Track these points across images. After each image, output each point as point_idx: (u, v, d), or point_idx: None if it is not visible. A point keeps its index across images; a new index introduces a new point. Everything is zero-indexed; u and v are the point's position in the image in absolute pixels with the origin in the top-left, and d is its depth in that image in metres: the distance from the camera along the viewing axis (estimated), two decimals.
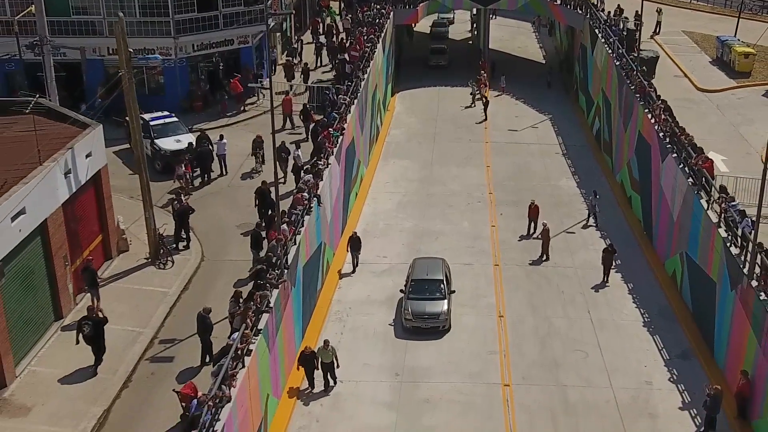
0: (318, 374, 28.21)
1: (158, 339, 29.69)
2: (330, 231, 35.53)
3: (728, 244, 28.70)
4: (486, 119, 53.43)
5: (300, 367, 28.08)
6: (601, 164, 47.40)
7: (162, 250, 34.07)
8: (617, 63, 46.27)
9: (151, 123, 42.32)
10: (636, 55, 46.73)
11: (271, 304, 25.75)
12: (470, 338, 31.14)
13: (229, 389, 22.18)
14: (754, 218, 26.98)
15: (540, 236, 37.12)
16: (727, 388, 27.36)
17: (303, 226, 30.38)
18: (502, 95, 58.15)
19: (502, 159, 47.47)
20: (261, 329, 24.81)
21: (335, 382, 28.37)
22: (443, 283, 32.39)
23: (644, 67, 45.51)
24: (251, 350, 23.96)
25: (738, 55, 59.68)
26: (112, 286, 32.32)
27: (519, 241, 38.04)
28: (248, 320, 24.35)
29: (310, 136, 43.45)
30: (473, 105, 56.06)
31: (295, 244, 29.21)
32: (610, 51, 48.28)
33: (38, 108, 33.05)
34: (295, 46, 61.13)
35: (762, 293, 25.83)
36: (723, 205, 29.62)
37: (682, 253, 33.42)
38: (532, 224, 38.65)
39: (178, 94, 49.79)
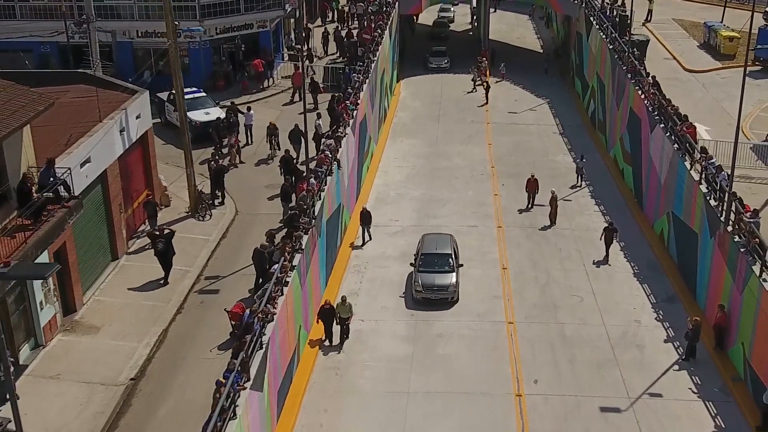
0: (336, 329, 30.19)
1: (203, 276, 32.94)
2: (347, 195, 38.23)
3: (708, 198, 31.81)
4: (487, 103, 55.58)
5: (319, 320, 30.11)
6: (596, 142, 49.98)
7: (201, 204, 37.23)
8: (611, 47, 49.08)
9: None
10: (628, 38, 49.70)
11: (303, 246, 28.67)
12: (477, 286, 33.88)
13: (273, 308, 25.32)
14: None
15: (548, 203, 39.39)
16: (706, 324, 30.46)
17: (326, 184, 33.25)
18: (502, 81, 60.13)
19: (503, 138, 49.79)
20: (295, 266, 27.59)
21: (347, 336, 30.29)
22: (451, 257, 33.48)
23: (635, 50, 48.50)
24: (288, 281, 26.68)
25: (723, 39, 62.50)
26: None
27: (520, 213, 40.47)
28: (286, 254, 27.39)
29: (327, 111, 45.82)
30: (474, 90, 58.21)
31: (320, 198, 32.04)
32: (604, 36, 50.92)
33: (90, 78, 36.38)
34: (302, 33, 63.68)
35: (736, 236, 29.09)
36: (703, 164, 32.95)
37: (669, 212, 36.38)
38: (531, 197, 40.98)
39: (203, 73, 52.38)
